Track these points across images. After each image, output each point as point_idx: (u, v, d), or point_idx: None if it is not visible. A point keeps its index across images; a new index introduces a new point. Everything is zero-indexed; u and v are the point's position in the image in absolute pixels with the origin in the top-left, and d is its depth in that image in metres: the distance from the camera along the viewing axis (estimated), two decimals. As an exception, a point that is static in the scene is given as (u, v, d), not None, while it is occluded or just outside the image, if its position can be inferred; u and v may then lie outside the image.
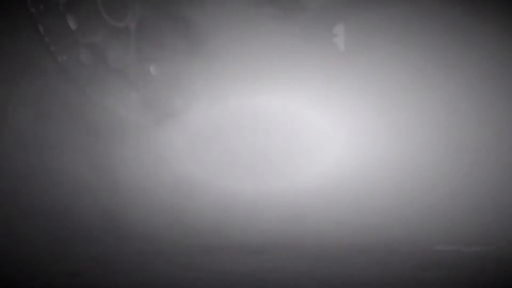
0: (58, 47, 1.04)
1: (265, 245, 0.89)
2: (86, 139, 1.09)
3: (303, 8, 2.07)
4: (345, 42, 2.27)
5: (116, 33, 1.29)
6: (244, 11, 1.57)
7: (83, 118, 1.09)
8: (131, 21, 1.33)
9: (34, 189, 1.04)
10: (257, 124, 1.66)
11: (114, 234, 1.14)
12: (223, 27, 1.50)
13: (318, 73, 2.12)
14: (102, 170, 1.12)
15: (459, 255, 0.77)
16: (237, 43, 1.54)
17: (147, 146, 1.22)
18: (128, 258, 0.74)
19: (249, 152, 1.61)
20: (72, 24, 1.13)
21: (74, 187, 1.09)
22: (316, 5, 2.07)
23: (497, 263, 0.71)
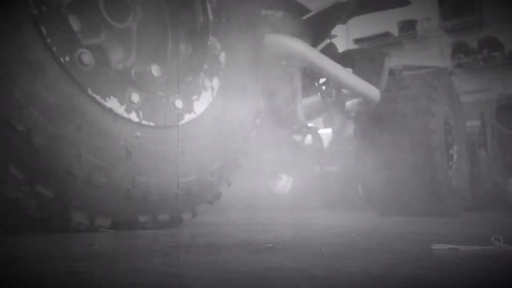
0: (60, 48, 1.05)
1: (265, 244, 0.90)
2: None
3: None
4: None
5: (117, 34, 1.30)
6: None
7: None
8: (133, 23, 1.34)
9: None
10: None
11: (115, 233, 1.15)
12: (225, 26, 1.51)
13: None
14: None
15: (457, 254, 0.78)
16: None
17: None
18: (128, 257, 0.74)
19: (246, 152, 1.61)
20: (75, 26, 1.14)
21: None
22: None
23: (494, 262, 0.72)
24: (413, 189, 2.74)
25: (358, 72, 2.56)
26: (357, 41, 7.52)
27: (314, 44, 2.35)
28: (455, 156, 3.26)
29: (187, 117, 1.33)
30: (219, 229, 1.42)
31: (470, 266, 0.67)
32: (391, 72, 3.63)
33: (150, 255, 0.77)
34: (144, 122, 1.21)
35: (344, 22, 2.65)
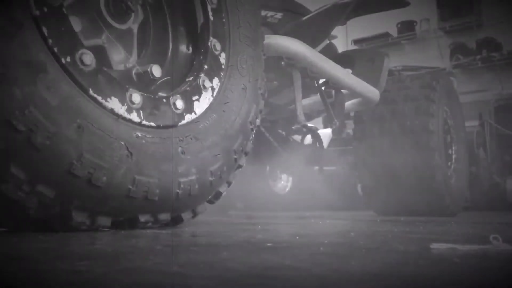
0: (61, 49, 1.05)
1: (265, 243, 0.90)
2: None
3: None
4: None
5: (118, 35, 1.30)
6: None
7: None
8: (133, 23, 1.35)
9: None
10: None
11: (115, 232, 1.15)
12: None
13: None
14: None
15: (456, 254, 0.78)
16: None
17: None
18: (129, 256, 0.74)
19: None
20: (76, 26, 1.14)
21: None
22: None
23: (493, 262, 0.72)
24: (412, 189, 2.75)
25: (357, 73, 2.57)
26: (356, 41, 7.53)
27: (314, 44, 2.36)
28: (454, 156, 3.27)
29: (188, 117, 1.34)
30: (219, 228, 1.43)
31: (468, 265, 0.68)
32: (390, 73, 3.63)
33: (151, 254, 0.77)
34: (145, 122, 1.22)
35: (343, 23, 2.66)
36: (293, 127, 2.31)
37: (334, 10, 2.41)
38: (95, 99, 1.11)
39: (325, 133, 2.72)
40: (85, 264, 0.64)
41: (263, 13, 2.24)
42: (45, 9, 1.04)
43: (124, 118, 1.16)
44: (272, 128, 2.68)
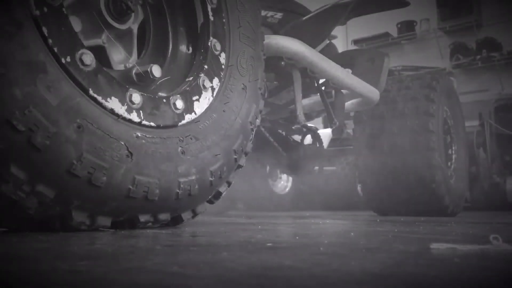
0: (61, 49, 1.05)
1: (265, 243, 0.90)
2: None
3: None
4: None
5: (118, 35, 1.31)
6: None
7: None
8: (133, 23, 1.35)
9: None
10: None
11: (115, 232, 1.15)
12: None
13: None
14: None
15: (455, 254, 0.78)
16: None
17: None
18: (129, 256, 0.74)
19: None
20: (76, 26, 1.14)
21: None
22: None
23: (493, 262, 0.72)
24: (412, 189, 2.75)
25: (357, 73, 2.57)
26: (356, 41, 7.53)
27: (314, 44, 2.36)
28: (454, 156, 3.27)
29: (188, 117, 1.34)
30: (219, 228, 1.42)
31: (468, 265, 0.68)
32: (390, 73, 3.64)
33: (151, 254, 0.77)
34: (145, 122, 1.22)
35: (343, 23, 2.66)
36: (293, 127, 2.32)
37: (334, 10, 2.42)
38: (95, 99, 1.11)
39: (325, 133, 2.72)
40: (85, 264, 0.64)
41: (263, 13, 2.24)
42: (45, 9, 1.04)
43: (124, 118, 1.16)
44: (272, 128, 2.67)
